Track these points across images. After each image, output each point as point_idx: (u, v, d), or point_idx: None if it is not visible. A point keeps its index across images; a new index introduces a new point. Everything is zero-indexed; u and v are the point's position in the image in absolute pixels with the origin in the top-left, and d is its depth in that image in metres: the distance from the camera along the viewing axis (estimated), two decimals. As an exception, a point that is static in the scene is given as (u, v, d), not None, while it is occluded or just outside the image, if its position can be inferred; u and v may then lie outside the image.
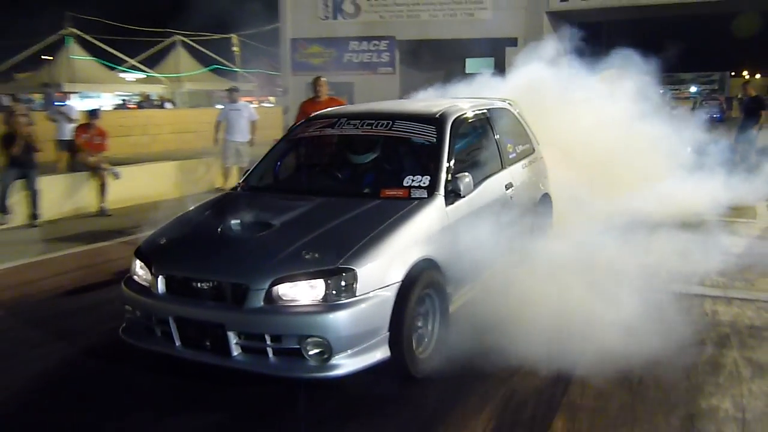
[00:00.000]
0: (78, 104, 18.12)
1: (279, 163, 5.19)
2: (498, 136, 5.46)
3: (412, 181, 4.37)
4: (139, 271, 4.01)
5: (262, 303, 3.45)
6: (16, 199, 8.79)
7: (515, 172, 5.50)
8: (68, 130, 11.41)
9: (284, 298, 3.45)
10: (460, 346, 4.03)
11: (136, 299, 3.92)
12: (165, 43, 32.29)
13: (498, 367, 3.88)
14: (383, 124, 4.83)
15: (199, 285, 3.69)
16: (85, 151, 9.94)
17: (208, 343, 3.62)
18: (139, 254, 4.10)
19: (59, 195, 9.52)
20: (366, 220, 3.92)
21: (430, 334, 4.01)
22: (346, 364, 3.44)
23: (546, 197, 6.15)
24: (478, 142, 5.22)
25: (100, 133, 10.13)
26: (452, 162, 4.52)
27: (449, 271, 4.18)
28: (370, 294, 3.51)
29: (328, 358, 3.42)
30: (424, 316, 3.96)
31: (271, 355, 3.51)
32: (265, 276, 3.50)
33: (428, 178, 4.37)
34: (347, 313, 3.41)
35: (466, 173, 4.42)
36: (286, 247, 3.67)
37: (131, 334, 4.01)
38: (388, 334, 3.59)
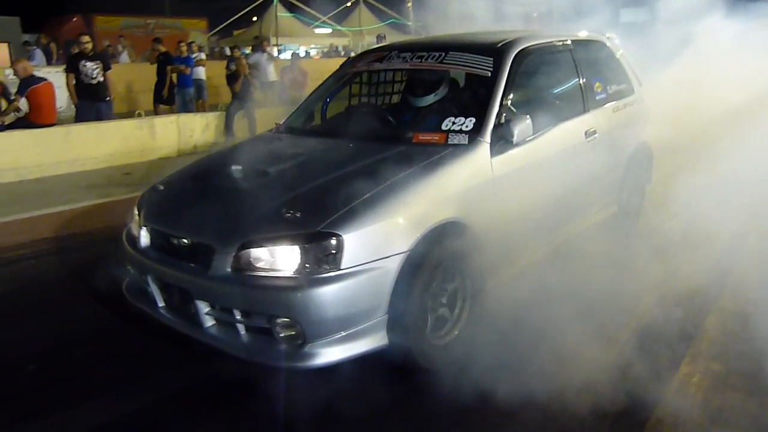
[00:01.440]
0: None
1: (321, 102, 4.44)
2: (583, 74, 4.36)
3: (453, 123, 3.48)
4: (134, 220, 3.50)
5: (229, 270, 2.79)
6: (238, 125, 10.07)
7: (602, 117, 4.41)
8: (271, 73, 12.65)
9: (254, 266, 2.76)
10: (493, 335, 3.18)
11: (126, 251, 3.42)
12: (351, 1, 37.24)
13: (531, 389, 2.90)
14: (435, 56, 3.93)
15: (175, 242, 3.11)
16: (290, 87, 11.45)
17: (184, 309, 3.06)
18: (138, 202, 3.59)
19: (269, 122, 9.62)
20: (377, 171, 3.10)
21: (455, 317, 3.20)
22: (325, 352, 2.73)
23: (643, 149, 4.97)
24: (553, 79, 4.18)
25: (302, 72, 11.88)
26: (509, 102, 3.57)
27: (490, 238, 3.30)
28: (362, 267, 2.73)
29: (302, 345, 2.72)
30: (447, 295, 3.14)
31: (242, 332, 2.87)
32: (233, 237, 2.83)
33: (473, 120, 3.46)
34: (326, 290, 2.67)
35: (526, 116, 3.46)
36: (267, 203, 2.96)
37: (128, 290, 3.54)
38: (386, 317, 2.82)
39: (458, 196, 3.16)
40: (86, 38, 8.58)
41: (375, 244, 2.78)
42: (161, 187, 3.61)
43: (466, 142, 3.36)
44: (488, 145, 3.37)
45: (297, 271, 2.69)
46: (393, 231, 2.83)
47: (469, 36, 4.39)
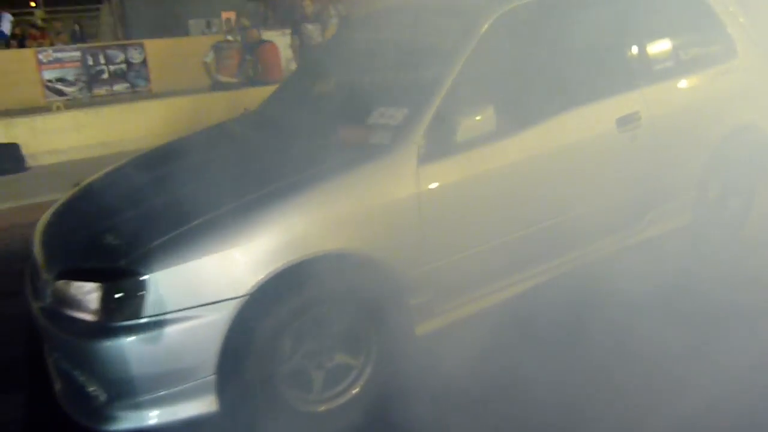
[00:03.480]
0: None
1: (295, 82, 3.79)
2: (628, 35, 3.17)
3: (382, 115, 2.65)
4: None
5: (48, 301, 2.35)
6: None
7: (660, 95, 3.20)
8: None
9: (63, 301, 2.28)
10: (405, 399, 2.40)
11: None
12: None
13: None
14: (408, 24, 3.08)
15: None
16: None
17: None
18: None
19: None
20: (247, 182, 2.44)
21: (356, 372, 2.47)
22: (132, 416, 2.18)
23: (745, 135, 3.57)
24: (565, 46, 3.04)
25: None
26: (468, 84, 2.62)
27: (415, 276, 2.49)
28: (175, 315, 2.12)
29: (106, 404, 2.20)
30: (337, 348, 2.42)
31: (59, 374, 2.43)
32: (55, 263, 2.38)
33: (405, 111, 2.60)
34: (127, 342, 2.10)
35: (487, 105, 2.52)
36: (105, 222, 2.45)
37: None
38: (214, 377, 2.19)
39: (357, 220, 2.38)
40: (308, 2, 9.03)
41: (196, 285, 2.14)
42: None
43: (389, 142, 2.53)
44: (416, 148, 2.49)
45: (96, 315, 2.16)
46: (226, 268, 2.17)
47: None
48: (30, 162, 7.42)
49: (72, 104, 9.25)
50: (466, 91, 2.61)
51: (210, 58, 9.30)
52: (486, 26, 2.72)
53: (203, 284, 2.14)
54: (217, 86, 9.16)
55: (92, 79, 9.94)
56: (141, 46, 10.42)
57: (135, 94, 10.03)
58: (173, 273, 2.12)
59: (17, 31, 11.78)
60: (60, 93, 9.68)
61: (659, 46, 3.26)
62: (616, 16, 3.15)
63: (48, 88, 9.68)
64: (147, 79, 10.34)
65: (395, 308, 2.47)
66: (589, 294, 3.03)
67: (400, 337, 2.50)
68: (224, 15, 13.18)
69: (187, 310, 2.12)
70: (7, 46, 10.83)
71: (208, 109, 7.73)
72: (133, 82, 10.26)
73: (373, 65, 3.07)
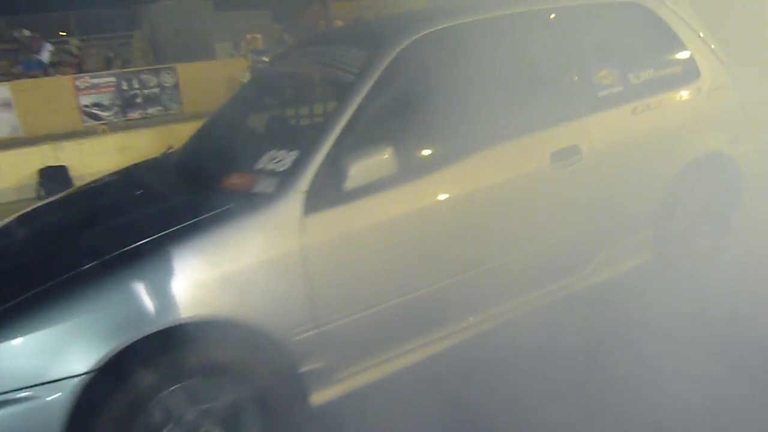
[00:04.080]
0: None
1: (211, 121, 3.50)
2: (567, 61, 2.87)
3: (272, 159, 2.39)
4: None
5: None
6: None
7: (605, 123, 2.89)
8: None
9: None
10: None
11: None
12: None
13: None
14: (315, 53, 2.84)
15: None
16: None
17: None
18: None
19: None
20: (109, 240, 2.19)
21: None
22: None
23: (712, 162, 3.23)
24: (484, 76, 2.71)
25: None
26: (360, 126, 2.35)
27: (303, 336, 2.23)
28: (7, 396, 1.88)
29: None
30: (216, 419, 2.15)
31: None
32: None
33: (295, 155, 2.34)
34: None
35: (385, 147, 2.25)
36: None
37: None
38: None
39: (230, 281, 2.11)
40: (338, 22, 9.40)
41: (31, 362, 1.90)
42: None
43: (272, 191, 2.26)
44: (302, 196, 2.22)
45: None
46: (68, 342, 1.92)
47: (382, 19, 3.12)
48: (77, 183, 7.64)
49: (112, 128, 9.65)
50: (366, 131, 2.34)
51: (246, 78, 9.22)
52: (389, 58, 2.44)
53: (39, 360, 1.89)
54: None
55: (126, 103, 10.18)
56: (173, 69, 10.57)
57: (168, 117, 10.21)
58: (3, 349, 1.87)
59: (55, 59, 12.16)
60: (96, 117, 10.01)
61: (604, 70, 2.94)
62: (551, 38, 2.84)
63: (84, 113, 10.00)
64: (179, 102, 10.50)
65: (279, 377, 2.19)
66: (521, 351, 2.71)
67: (288, 410, 2.23)
68: (248, 36, 13.30)
69: (19, 391, 1.87)
70: (45, 74, 11.16)
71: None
72: (166, 104, 10.50)
73: (279, 103, 2.82)
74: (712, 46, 3.33)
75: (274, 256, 2.17)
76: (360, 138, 2.33)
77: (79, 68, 12.33)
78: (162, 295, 2.01)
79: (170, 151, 3.33)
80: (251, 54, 10.31)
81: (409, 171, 2.37)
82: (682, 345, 2.66)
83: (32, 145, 8.35)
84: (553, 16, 2.88)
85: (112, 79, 10.17)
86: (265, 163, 2.38)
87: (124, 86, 10.18)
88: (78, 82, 9.94)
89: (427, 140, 2.47)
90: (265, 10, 20.39)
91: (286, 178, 2.26)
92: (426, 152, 2.46)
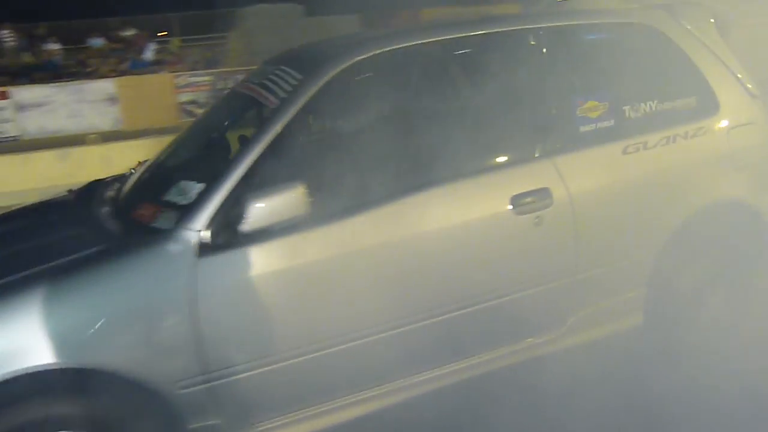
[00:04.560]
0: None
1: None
2: (549, 85, 2.50)
3: (179, 191, 2.18)
4: None
5: None
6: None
7: (592, 162, 2.49)
8: None
9: None
10: None
11: None
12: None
13: None
14: (263, 73, 2.61)
15: None
16: None
17: None
18: None
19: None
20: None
21: None
22: None
23: (726, 213, 2.74)
24: (445, 104, 2.43)
25: None
26: (275, 160, 2.10)
27: (192, 389, 2.00)
28: None
29: None
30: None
31: None
32: None
33: (201, 187, 2.11)
34: None
35: (293, 185, 2.00)
36: None
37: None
38: None
39: (105, 325, 1.91)
40: None
41: None
42: None
43: (170, 226, 2.05)
44: (197, 236, 1.99)
45: None
46: None
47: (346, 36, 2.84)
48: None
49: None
50: (283, 164, 2.09)
51: None
52: (317, 86, 2.17)
53: None
54: None
55: (221, 101, 10.64)
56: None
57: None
58: None
59: (157, 57, 12.79)
60: (191, 114, 10.30)
61: (592, 101, 2.54)
62: (527, 63, 2.49)
63: (182, 109, 10.32)
64: (271, 101, 10.85)
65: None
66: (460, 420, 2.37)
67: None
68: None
69: None
70: (148, 71, 11.72)
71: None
72: (258, 103, 10.79)
73: (215, 125, 2.61)
74: (739, 76, 2.84)
75: (158, 300, 1.96)
76: (276, 172, 2.07)
77: (179, 67, 12.82)
78: (16, 338, 1.83)
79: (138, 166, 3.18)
80: None
81: (330, 211, 2.09)
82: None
83: (134, 138, 8.54)
84: (531, 39, 2.50)
85: (209, 78, 10.49)
86: (174, 194, 2.17)
87: (220, 85, 10.47)
88: (177, 80, 10.32)
89: (354, 177, 2.17)
90: (354, 15, 20.63)
91: (185, 214, 2.04)
92: (353, 191, 2.17)
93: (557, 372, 2.54)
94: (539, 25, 2.53)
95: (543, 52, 2.50)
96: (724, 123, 2.75)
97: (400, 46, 2.33)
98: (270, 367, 2.07)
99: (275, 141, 2.10)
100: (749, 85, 2.86)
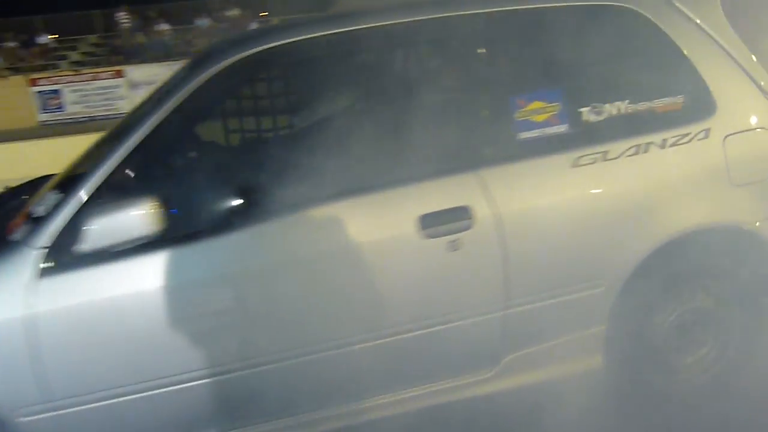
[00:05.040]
0: None
1: None
2: (493, 83, 2.13)
3: (44, 201, 2.02)
4: None
5: None
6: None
7: (536, 176, 2.10)
8: None
9: None
10: None
11: None
12: None
13: None
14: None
15: None
16: None
17: None
18: None
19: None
20: None
21: None
22: None
23: (731, 239, 2.25)
24: (346, 106, 2.10)
25: None
26: (132, 172, 1.89)
27: (30, 419, 1.86)
28: None
29: None
30: None
31: None
32: None
33: (59, 198, 1.94)
34: None
35: (146, 202, 1.78)
36: None
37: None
38: None
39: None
40: None
41: None
42: None
43: (20, 241, 1.89)
44: (38, 254, 1.82)
45: None
46: None
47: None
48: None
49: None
50: (143, 176, 1.87)
51: None
52: (193, 86, 1.92)
53: None
54: None
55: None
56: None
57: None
58: None
59: None
60: None
61: (538, 102, 2.12)
62: (446, 54, 2.11)
63: None
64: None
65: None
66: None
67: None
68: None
69: None
70: None
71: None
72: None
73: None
74: (750, 69, 2.30)
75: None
76: (135, 183, 1.86)
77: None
78: None
79: None
80: None
81: (192, 230, 1.85)
82: None
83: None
84: (464, 27, 2.11)
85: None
86: (38, 203, 2.01)
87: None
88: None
89: (230, 190, 1.92)
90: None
91: (33, 228, 1.87)
92: (226, 206, 1.91)
93: (484, 418, 2.18)
94: (475, 11, 2.13)
95: (478, 43, 2.11)
96: (720, 128, 2.23)
97: (299, 38, 2.02)
98: (117, 401, 1.88)
99: (138, 148, 1.88)
100: (762, 81, 2.31)
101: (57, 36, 17.81)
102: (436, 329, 2.06)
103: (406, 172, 2.02)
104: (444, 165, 2.05)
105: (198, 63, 2.01)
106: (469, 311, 2.08)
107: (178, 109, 1.90)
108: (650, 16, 2.24)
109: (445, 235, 2.00)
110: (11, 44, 16.65)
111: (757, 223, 2.26)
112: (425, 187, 2.02)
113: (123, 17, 16.99)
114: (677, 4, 2.30)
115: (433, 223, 1.99)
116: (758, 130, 2.27)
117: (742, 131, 2.25)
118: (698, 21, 2.29)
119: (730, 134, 2.23)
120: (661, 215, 2.17)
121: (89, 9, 18.26)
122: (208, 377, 1.89)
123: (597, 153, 2.12)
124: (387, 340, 2.01)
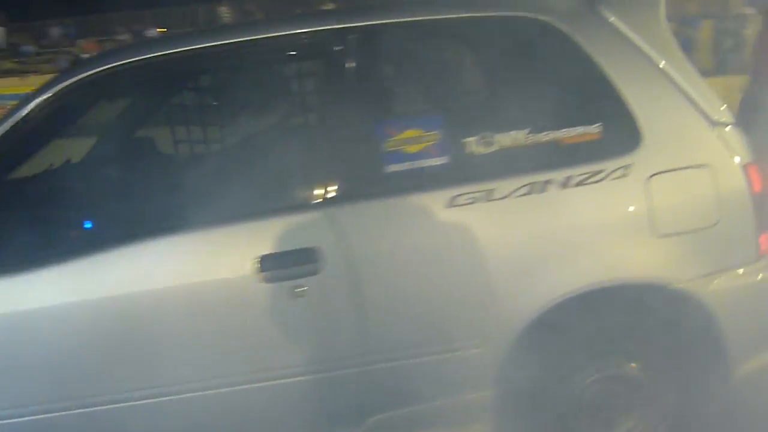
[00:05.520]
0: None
1: None
2: (361, 109, 1.85)
3: None
4: None
5: None
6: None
7: (404, 216, 1.82)
8: None
9: None
10: None
11: None
12: None
13: None
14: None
15: None
16: None
17: None
18: None
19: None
20: None
21: None
22: None
23: (652, 299, 1.88)
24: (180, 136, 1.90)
25: None
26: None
27: None
28: None
29: None
30: None
31: None
32: None
33: None
34: None
35: None
36: None
37: None
38: None
39: None
40: None
41: None
42: None
43: None
44: None
45: None
46: None
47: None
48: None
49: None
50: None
51: None
52: (21, 115, 1.77)
53: None
54: None
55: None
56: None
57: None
58: None
59: None
60: None
61: (412, 130, 1.83)
62: (305, 75, 1.87)
63: None
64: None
65: None
66: None
67: None
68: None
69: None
70: None
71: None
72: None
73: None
74: (695, 95, 1.90)
75: None
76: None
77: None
78: None
79: None
80: None
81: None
82: None
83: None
84: (333, 45, 1.84)
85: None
86: None
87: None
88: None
89: (51, 222, 1.77)
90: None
91: None
92: (46, 238, 1.77)
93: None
94: (343, 26, 1.85)
95: (347, 63, 1.83)
96: (643, 165, 1.85)
97: (120, 63, 1.81)
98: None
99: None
100: (711, 109, 1.90)
101: (165, 30, 18.55)
102: (280, 383, 1.83)
103: (248, 207, 1.80)
104: (292, 200, 1.81)
105: (41, 87, 1.87)
106: (317, 365, 1.83)
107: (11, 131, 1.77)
108: (565, 29, 1.89)
109: (287, 279, 1.76)
110: (123, 37, 17.40)
111: (689, 282, 1.87)
112: (268, 225, 1.79)
113: (225, 12, 17.32)
114: (605, 14, 1.94)
115: (273, 265, 1.75)
116: (695, 169, 1.87)
117: (673, 170, 1.87)
118: (631, 34, 1.92)
119: (657, 173, 1.85)
120: (557, 268, 1.83)
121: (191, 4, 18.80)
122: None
123: (479, 192, 1.80)
124: (217, 391, 1.81)
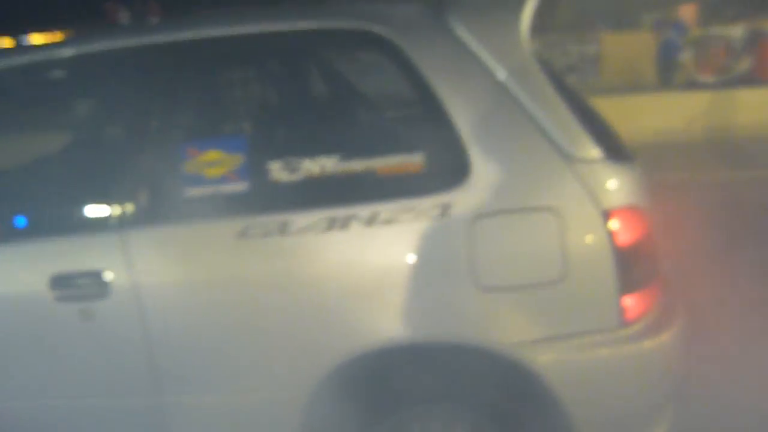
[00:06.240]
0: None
1: None
2: (151, 131, 1.75)
3: None
4: None
5: None
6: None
7: (198, 245, 1.70)
8: None
9: None
10: None
11: None
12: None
13: None
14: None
15: None
16: None
17: None
18: None
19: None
20: None
21: None
22: None
23: (466, 359, 1.62)
24: None
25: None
26: None
27: None
28: None
29: None
30: None
31: None
32: None
33: None
34: None
35: None
36: None
37: None
38: None
39: None
40: None
41: None
42: None
43: None
44: None
45: None
46: None
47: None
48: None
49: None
50: None
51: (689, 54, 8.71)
52: None
53: None
54: (693, 86, 8.47)
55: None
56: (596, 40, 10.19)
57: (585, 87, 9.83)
58: None
59: None
60: None
61: (210, 151, 1.68)
62: (103, 90, 1.77)
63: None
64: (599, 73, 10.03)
65: None
66: None
67: None
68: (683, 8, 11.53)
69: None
70: None
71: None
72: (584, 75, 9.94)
73: None
74: (548, 122, 1.58)
75: None
76: None
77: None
78: None
79: None
80: (655, 25, 9.48)
81: None
82: None
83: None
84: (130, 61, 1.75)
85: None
86: None
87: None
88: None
89: None
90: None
91: None
92: None
93: None
94: (152, 42, 1.75)
95: (149, 78, 1.73)
96: (467, 203, 1.57)
97: None
98: None
99: None
100: (570, 142, 1.57)
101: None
102: (70, 403, 1.79)
103: (48, 223, 1.76)
104: (87, 219, 1.75)
105: None
106: (106, 391, 1.76)
107: None
108: (398, 43, 1.65)
109: (76, 300, 1.71)
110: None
111: (514, 347, 1.56)
112: (64, 243, 1.74)
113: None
114: (453, 26, 1.67)
115: (64, 285, 1.71)
116: (535, 212, 1.55)
117: (506, 212, 1.56)
118: (481, 52, 1.63)
119: (484, 215, 1.56)
120: (355, 318, 1.60)
121: None
122: None
123: (273, 224, 1.62)
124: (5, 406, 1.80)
